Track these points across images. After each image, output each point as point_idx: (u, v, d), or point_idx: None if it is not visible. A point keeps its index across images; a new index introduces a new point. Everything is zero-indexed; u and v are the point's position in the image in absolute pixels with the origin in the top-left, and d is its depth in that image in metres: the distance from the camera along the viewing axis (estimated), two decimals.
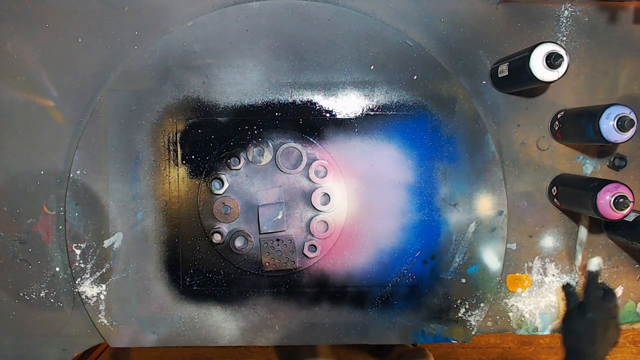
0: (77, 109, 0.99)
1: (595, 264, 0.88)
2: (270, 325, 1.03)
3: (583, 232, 1.02)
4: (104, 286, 1.01)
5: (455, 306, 1.03)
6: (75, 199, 1.00)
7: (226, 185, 1.00)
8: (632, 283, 1.05)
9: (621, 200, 0.84)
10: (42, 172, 1.00)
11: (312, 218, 1.00)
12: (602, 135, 0.84)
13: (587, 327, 0.83)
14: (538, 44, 0.84)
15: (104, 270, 1.01)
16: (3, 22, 0.97)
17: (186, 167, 1.00)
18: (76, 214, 1.00)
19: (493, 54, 0.99)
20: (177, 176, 1.00)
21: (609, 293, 0.86)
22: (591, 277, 0.87)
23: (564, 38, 0.99)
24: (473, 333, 1.03)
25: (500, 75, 0.95)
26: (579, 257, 1.03)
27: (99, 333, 1.02)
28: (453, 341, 1.03)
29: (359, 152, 1.00)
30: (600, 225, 1.03)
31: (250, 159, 0.99)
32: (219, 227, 1.00)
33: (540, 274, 1.04)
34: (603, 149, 1.02)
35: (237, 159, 0.99)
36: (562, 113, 0.98)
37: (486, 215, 1.01)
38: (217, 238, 1.00)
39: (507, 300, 1.05)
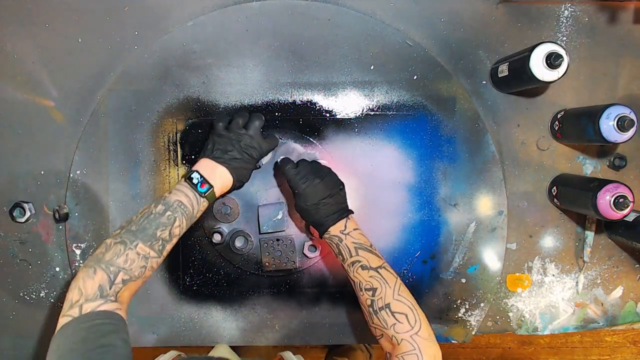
0: (77, 109, 0.99)
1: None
2: (270, 325, 1.03)
3: (590, 237, 1.02)
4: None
5: (455, 306, 1.03)
6: (75, 199, 1.00)
7: None
8: (632, 283, 1.05)
9: (621, 200, 0.84)
10: (42, 172, 1.00)
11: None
12: (602, 135, 0.84)
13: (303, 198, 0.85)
14: (538, 44, 0.84)
15: None
16: (3, 22, 0.97)
17: (186, 167, 1.00)
18: (76, 214, 1.00)
19: (493, 54, 0.99)
20: (177, 176, 1.00)
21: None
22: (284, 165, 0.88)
23: (564, 38, 0.99)
24: (473, 333, 1.03)
25: (500, 75, 0.95)
26: (587, 259, 1.03)
27: None
28: (453, 341, 1.03)
29: (359, 152, 1.00)
30: (600, 225, 1.03)
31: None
32: (219, 227, 1.00)
33: (540, 274, 1.04)
34: (603, 149, 1.02)
35: None
36: (562, 113, 0.98)
37: (486, 215, 1.01)
38: (217, 238, 1.00)
39: (507, 300, 1.05)
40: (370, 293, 0.77)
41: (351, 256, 0.80)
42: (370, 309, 0.76)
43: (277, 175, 1.00)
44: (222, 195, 0.89)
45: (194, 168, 0.83)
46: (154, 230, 0.74)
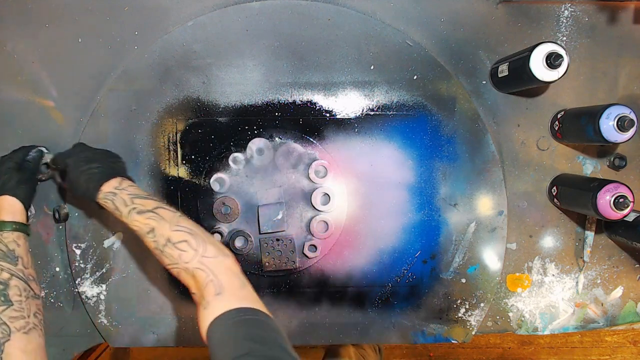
0: (77, 109, 0.99)
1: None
2: None
3: (590, 237, 1.02)
4: (104, 286, 1.01)
5: (455, 306, 1.03)
6: (75, 199, 1.00)
7: (226, 185, 1.00)
8: (632, 283, 1.05)
9: (621, 200, 0.84)
10: None
11: (312, 218, 1.00)
12: (602, 135, 0.84)
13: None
14: (538, 44, 0.84)
15: (104, 270, 1.01)
16: (3, 22, 0.96)
17: (186, 167, 1.00)
18: (76, 214, 1.00)
19: (493, 54, 0.99)
20: (177, 176, 1.00)
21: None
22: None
23: (564, 38, 0.99)
24: (473, 333, 1.03)
25: (500, 75, 0.95)
26: (587, 259, 1.03)
27: (99, 333, 1.02)
28: (453, 341, 1.03)
29: (359, 152, 1.00)
30: (600, 225, 1.03)
31: (250, 159, 0.99)
32: (219, 227, 1.00)
33: (540, 274, 1.04)
34: (603, 149, 1.02)
35: (237, 159, 0.99)
36: (562, 113, 0.98)
37: (486, 215, 1.01)
38: (217, 238, 1.00)
39: (507, 300, 1.05)
40: (152, 235, 0.75)
41: (126, 206, 0.78)
42: (157, 251, 0.75)
43: None
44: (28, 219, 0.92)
45: None
46: None
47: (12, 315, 0.75)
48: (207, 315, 0.65)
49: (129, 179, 0.85)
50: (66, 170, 0.85)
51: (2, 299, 0.75)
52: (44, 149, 0.95)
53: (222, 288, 0.68)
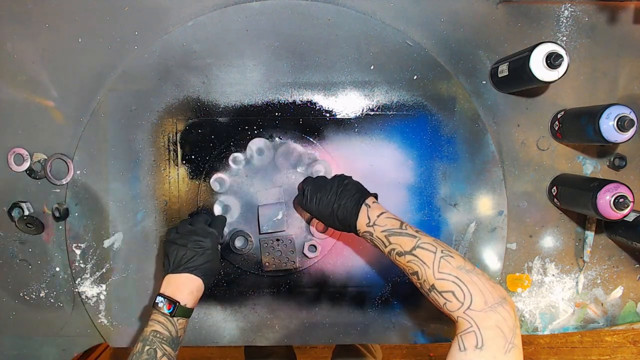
0: (77, 109, 0.99)
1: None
2: (270, 325, 1.03)
3: (590, 237, 1.02)
4: (104, 286, 1.01)
5: None
6: (75, 199, 1.00)
7: (226, 185, 1.00)
8: (632, 283, 1.05)
9: (621, 200, 0.84)
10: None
11: (312, 218, 1.00)
12: (602, 135, 0.84)
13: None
14: (538, 44, 0.84)
15: (104, 270, 1.01)
16: (3, 22, 0.97)
17: (186, 167, 1.00)
18: (76, 214, 1.00)
19: (493, 54, 0.99)
20: (177, 176, 1.00)
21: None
22: None
23: (564, 38, 0.99)
24: None
25: (500, 75, 0.95)
26: (587, 259, 1.03)
27: (99, 333, 1.03)
28: None
29: (359, 152, 1.00)
30: (600, 225, 1.03)
31: (250, 159, 1.00)
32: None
33: (540, 274, 1.04)
34: (603, 149, 1.02)
35: (237, 159, 0.99)
36: (562, 113, 0.98)
37: (486, 215, 1.01)
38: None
39: None
40: (415, 277, 0.73)
41: (386, 246, 0.77)
42: (423, 291, 0.73)
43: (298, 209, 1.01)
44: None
45: (159, 291, 0.82)
46: None
47: None
48: (460, 356, 0.63)
49: (368, 196, 0.84)
50: (310, 213, 0.88)
51: None
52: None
53: (484, 345, 0.62)
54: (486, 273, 1.01)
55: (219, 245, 0.91)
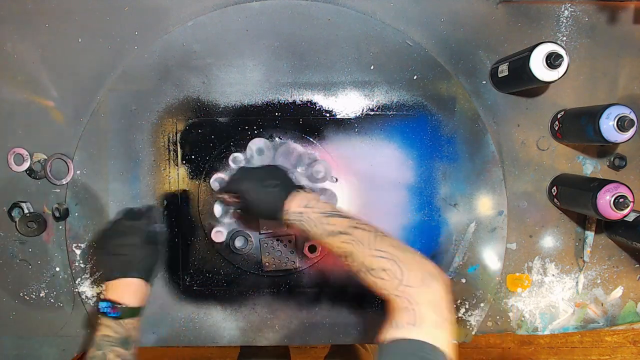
0: (77, 109, 0.99)
1: None
2: (270, 325, 1.03)
3: (590, 237, 1.02)
4: (104, 286, 1.01)
5: (455, 306, 1.03)
6: (75, 199, 1.00)
7: None
8: (632, 283, 1.05)
9: (621, 200, 0.84)
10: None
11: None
12: (602, 135, 0.84)
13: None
14: (538, 44, 0.84)
15: None
16: (3, 22, 0.97)
17: (186, 167, 1.00)
18: (76, 214, 1.00)
19: (493, 54, 0.99)
20: (177, 176, 1.00)
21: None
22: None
23: (564, 38, 0.99)
24: (473, 333, 1.03)
25: (500, 75, 0.95)
26: (587, 259, 1.03)
27: None
28: (453, 341, 1.03)
29: (359, 152, 1.00)
30: (600, 225, 1.03)
31: (250, 159, 0.99)
32: (219, 228, 1.00)
33: (540, 274, 1.04)
34: (603, 149, 1.02)
35: (237, 159, 0.99)
36: (562, 113, 0.98)
37: (486, 215, 1.01)
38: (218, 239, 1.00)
39: (507, 300, 1.05)
40: (350, 259, 0.71)
41: (318, 227, 0.74)
42: (359, 275, 0.70)
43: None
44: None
45: (102, 297, 0.81)
46: None
47: None
48: (392, 332, 0.60)
49: (299, 187, 0.81)
50: (241, 198, 0.82)
51: None
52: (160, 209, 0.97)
53: (418, 321, 0.60)
54: (486, 273, 1.02)
55: (156, 232, 0.89)
